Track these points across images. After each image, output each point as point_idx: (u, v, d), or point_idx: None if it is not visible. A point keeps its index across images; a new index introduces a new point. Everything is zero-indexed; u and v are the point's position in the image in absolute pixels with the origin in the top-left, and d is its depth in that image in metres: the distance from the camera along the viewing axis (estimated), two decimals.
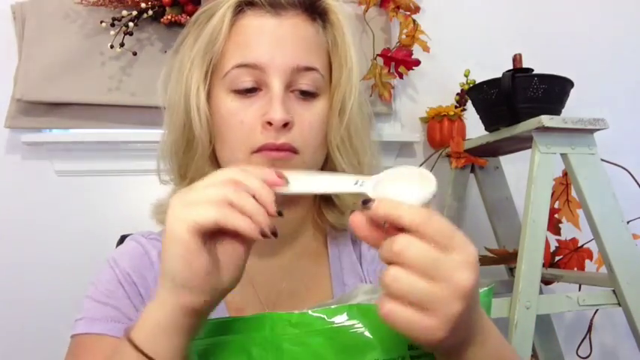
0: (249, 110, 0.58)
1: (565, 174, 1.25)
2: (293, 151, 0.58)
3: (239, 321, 0.47)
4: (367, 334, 0.44)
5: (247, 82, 0.58)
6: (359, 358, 0.43)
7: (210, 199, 0.39)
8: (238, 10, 0.60)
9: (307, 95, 0.60)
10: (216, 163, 0.64)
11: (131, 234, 0.74)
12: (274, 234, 0.40)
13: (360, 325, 0.44)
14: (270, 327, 0.45)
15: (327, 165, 0.65)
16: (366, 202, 0.37)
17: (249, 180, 0.41)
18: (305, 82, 0.59)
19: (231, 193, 0.39)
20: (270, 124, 0.56)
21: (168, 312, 0.40)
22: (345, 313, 0.44)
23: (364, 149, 0.65)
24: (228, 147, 0.60)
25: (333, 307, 0.45)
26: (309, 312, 0.45)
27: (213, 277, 0.40)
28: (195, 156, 0.62)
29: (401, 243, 0.35)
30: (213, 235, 0.41)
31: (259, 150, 0.57)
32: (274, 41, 0.58)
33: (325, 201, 0.68)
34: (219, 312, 0.60)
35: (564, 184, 1.26)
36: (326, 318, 0.45)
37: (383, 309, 0.35)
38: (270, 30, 0.58)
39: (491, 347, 0.42)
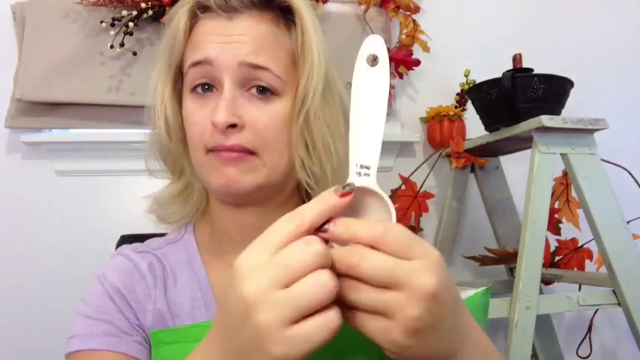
0: (203, 111, 0.58)
1: (565, 174, 1.25)
2: (247, 151, 0.57)
3: None
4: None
5: (201, 79, 0.59)
6: (355, 357, 0.43)
7: (318, 301, 0.34)
8: (194, 15, 0.61)
9: (265, 94, 0.58)
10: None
11: (131, 234, 0.74)
12: None
13: None
14: None
15: (290, 173, 0.63)
16: (321, 225, 0.37)
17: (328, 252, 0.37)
18: (259, 82, 0.58)
19: (331, 282, 0.35)
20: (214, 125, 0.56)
21: None
22: None
23: (329, 155, 0.61)
24: (190, 146, 0.61)
25: None
26: None
27: None
28: (173, 154, 0.65)
29: (354, 257, 0.36)
30: None
31: (212, 150, 0.58)
32: (223, 39, 0.58)
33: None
34: (212, 315, 0.61)
35: (564, 184, 1.27)
36: None
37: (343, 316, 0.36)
38: (220, 30, 0.59)
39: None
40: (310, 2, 0.74)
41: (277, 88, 0.59)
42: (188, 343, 0.47)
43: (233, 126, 0.56)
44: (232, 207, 0.63)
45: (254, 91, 0.58)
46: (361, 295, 0.36)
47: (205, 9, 0.60)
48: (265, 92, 0.58)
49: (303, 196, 0.68)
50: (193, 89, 0.60)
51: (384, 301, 0.35)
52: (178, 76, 0.63)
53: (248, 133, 0.57)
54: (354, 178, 0.39)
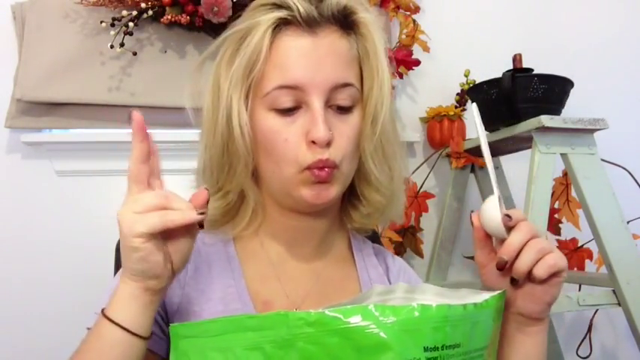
0: (292, 128, 0.59)
1: (565, 174, 1.25)
2: (334, 166, 0.60)
3: (256, 318, 0.48)
4: (382, 334, 0.44)
5: (288, 101, 0.59)
6: (374, 358, 0.44)
7: (150, 206, 0.49)
8: (276, 30, 0.60)
9: (344, 108, 0.61)
10: (255, 177, 0.65)
11: None
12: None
13: (374, 325, 0.44)
14: (287, 325, 0.46)
15: (359, 172, 0.66)
16: (509, 216, 0.55)
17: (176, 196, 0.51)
18: (342, 98, 0.61)
19: (164, 199, 0.50)
20: (314, 142, 0.58)
21: (132, 290, 0.50)
22: (360, 314, 0.45)
23: (394, 155, 0.67)
24: (275, 162, 0.61)
25: (348, 307, 0.45)
26: (326, 312, 0.45)
27: (167, 266, 0.51)
28: (236, 171, 0.63)
29: (539, 243, 0.54)
30: (163, 234, 0.50)
31: (308, 168, 0.59)
32: (313, 62, 0.59)
33: (351, 203, 0.70)
34: (245, 303, 0.62)
35: (564, 184, 1.27)
36: (342, 318, 0.45)
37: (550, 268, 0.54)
38: (308, 51, 0.59)
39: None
40: None
41: (356, 99, 0.62)
42: (207, 337, 0.48)
43: (328, 143, 0.58)
44: (292, 212, 0.65)
45: (334, 107, 0.61)
46: (539, 245, 0.54)
47: (288, 23, 0.60)
48: (343, 107, 0.61)
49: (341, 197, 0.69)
50: (278, 109, 0.60)
51: (550, 248, 0.55)
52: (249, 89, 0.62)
53: (336, 147, 0.60)
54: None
